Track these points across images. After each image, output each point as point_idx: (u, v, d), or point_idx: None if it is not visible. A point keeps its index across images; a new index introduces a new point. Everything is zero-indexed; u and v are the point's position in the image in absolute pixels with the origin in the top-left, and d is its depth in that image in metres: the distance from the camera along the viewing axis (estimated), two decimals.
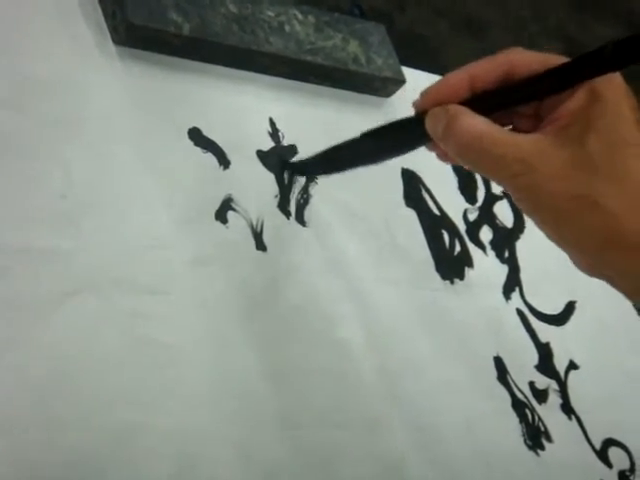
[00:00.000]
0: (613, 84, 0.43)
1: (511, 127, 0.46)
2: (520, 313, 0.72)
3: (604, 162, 0.41)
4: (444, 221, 0.71)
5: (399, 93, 0.74)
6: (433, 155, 0.76)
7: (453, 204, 0.73)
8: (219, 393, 0.51)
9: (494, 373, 0.66)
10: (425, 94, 0.47)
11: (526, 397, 0.67)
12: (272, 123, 0.65)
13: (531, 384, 0.68)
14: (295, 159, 0.63)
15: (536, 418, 0.66)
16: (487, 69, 0.46)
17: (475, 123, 0.44)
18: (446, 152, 0.47)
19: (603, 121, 0.41)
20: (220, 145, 0.60)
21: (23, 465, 0.42)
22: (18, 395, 0.44)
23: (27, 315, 0.46)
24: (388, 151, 0.55)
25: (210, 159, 0.59)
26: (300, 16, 0.68)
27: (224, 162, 0.60)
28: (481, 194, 0.76)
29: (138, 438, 0.47)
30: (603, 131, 0.41)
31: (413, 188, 0.71)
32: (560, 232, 0.43)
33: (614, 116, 0.42)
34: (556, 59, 0.43)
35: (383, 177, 0.70)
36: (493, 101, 0.45)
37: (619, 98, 0.42)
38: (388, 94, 0.74)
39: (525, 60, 0.45)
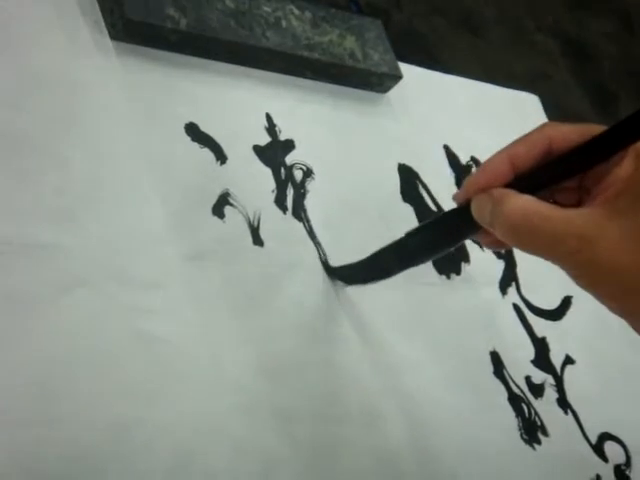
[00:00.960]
0: None
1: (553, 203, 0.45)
2: (516, 308, 0.72)
3: None
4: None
5: (396, 89, 0.74)
6: (430, 150, 0.77)
7: (450, 199, 0.73)
8: (216, 387, 0.51)
9: (490, 368, 0.66)
10: (467, 184, 0.47)
11: (522, 391, 0.67)
12: (269, 118, 0.65)
13: (527, 379, 0.68)
14: (339, 265, 0.61)
15: (532, 412, 0.67)
16: (526, 148, 0.45)
17: (522, 203, 0.43)
18: (494, 239, 0.46)
19: None
20: (217, 140, 0.60)
21: (20, 459, 0.42)
22: (16, 390, 0.44)
23: (24, 309, 0.46)
24: (435, 247, 0.53)
25: (207, 154, 0.59)
26: (297, 11, 0.68)
27: (221, 157, 0.60)
28: None
29: (135, 432, 0.47)
30: None
31: (410, 183, 0.71)
32: (624, 305, 0.42)
33: None
34: (593, 128, 0.43)
35: (380, 172, 0.70)
36: (538, 180, 0.44)
37: None
38: (385, 90, 0.74)
39: (562, 134, 0.44)
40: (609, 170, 0.43)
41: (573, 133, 0.44)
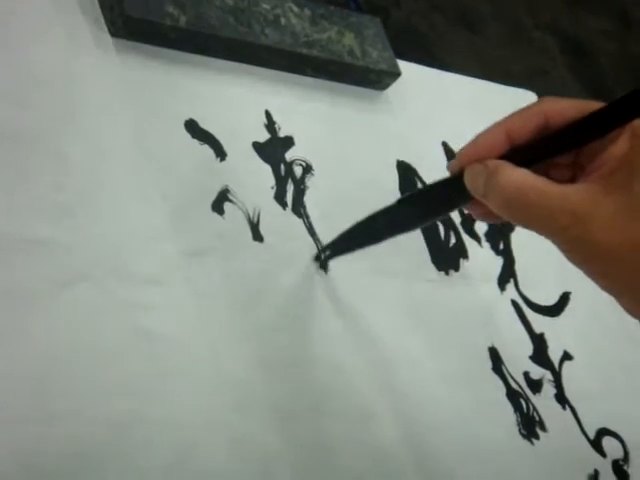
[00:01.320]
0: None
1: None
2: (515, 304, 0.73)
3: None
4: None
5: (394, 86, 0.74)
6: (428, 147, 0.77)
7: None
8: (215, 383, 0.51)
9: (489, 363, 0.67)
10: (461, 153, 0.46)
11: (521, 387, 0.67)
12: (268, 115, 0.65)
13: (526, 374, 0.69)
14: (327, 242, 0.61)
15: (531, 408, 0.67)
16: (522, 122, 0.45)
17: (518, 176, 0.42)
18: (486, 211, 0.46)
19: None
20: (217, 137, 0.60)
21: (20, 456, 0.43)
22: (14, 385, 0.44)
23: (23, 305, 0.46)
24: (426, 215, 0.53)
25: (207, 151, 0.60)
26: (296, 9, 0.68)
27: (221, 154, 0.60)
28: None
29: (135, 429, 0.47)
30: None
31: (408, 180, 0.71)
32: (613, 282, 0.42)
33: None
34: (590, 104, 0.42)
35: (379, 169, 0.70)
36: (533, 153, 0.44)
37: None
38: (383, 87, 0.74)
39: (559, 109, 0.44)
40: (604, 148, 0.42)
41: (570, 109, 0.43)
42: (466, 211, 0.49)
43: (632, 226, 0.40)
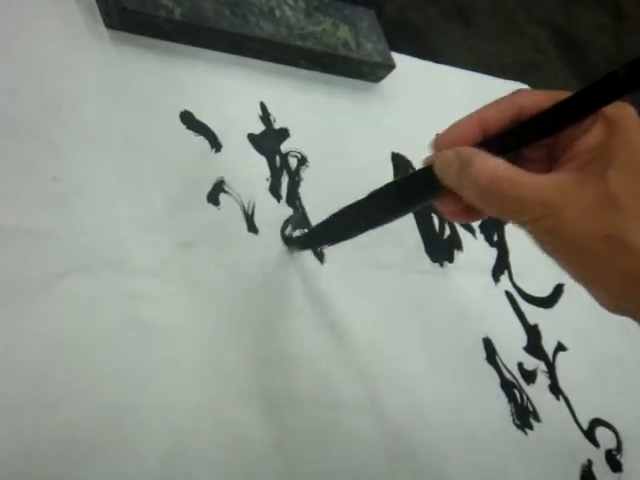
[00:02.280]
0: (627, 114, 0.42)
1: None
2: (509, 295, 0.73)
3: (629, 199, 0.39)
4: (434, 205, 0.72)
5: (389, 78, 0.75)
6: (422, 139, 0.77)
7: None
8: (210, 373, 0.51)
9: (483, 354, 0.67)
10: (434, 142, 0.46)
11: (515, 378, 0.68)
12: (263, 107, 0.65)
13: (520, 365, 0.69)
14: (298, 233, 0.60)
15: (525, 398, 0.67)
16: (496, 113, 0.44)
17: (491, 165, 0.42)
18: (456, 208, 0.46)
19: (623, 155, 0.40)
20: (212, 128, 0.60)
21: (16, 444, 0.43)
22: (11, 375, 0.44)
23: (19, 296, 0.46)
24: (398, 209, 0.52)
25: (202, 142, 0.60)
26: (290, 1, 0.68)
27: (216, 145, 0.60)
28: None
29: (131, 418, 0.47)
30: (624, 166, 0.40)
31: (403, 172, 0.72)
32: (585, 273, 0.42)
33: (633, 148, 0.41)
34: (565, 95, 0.42)
35: (373, 161, 0.71)
36: (506, 142, 0.44)
37: (635, 128, 0.41)
38: (378, 79, 0.74)
39: (534, 100, 0.43)
40: (578, 138, 0.42)
41: (545, 100, 0.43)
42: (437, 208, 0.48)
43: (605, 217, 0.39)
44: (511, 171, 0.42)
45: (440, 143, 0.46)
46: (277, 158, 0.63)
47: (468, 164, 0.43)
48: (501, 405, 0.66)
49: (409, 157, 0.73)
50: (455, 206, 0.46)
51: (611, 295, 0.42)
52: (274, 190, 0.62)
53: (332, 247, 0.61)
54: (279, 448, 0.52)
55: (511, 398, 0.66)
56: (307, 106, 0.68)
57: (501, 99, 0.45)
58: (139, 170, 0.55)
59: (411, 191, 0.50)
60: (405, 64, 0.76)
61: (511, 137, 0.44)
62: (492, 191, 0.42)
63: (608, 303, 0.43)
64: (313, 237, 0.60)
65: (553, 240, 0.41)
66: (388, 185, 0.52)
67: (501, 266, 0.74)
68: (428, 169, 0.46)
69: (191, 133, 0.59)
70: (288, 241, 0.60)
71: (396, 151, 0.72)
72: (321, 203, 0.64)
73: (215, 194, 0.58)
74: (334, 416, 0.56)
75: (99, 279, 0.50)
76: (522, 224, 0.42)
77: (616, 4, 1.22)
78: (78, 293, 0.49)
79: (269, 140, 0.64)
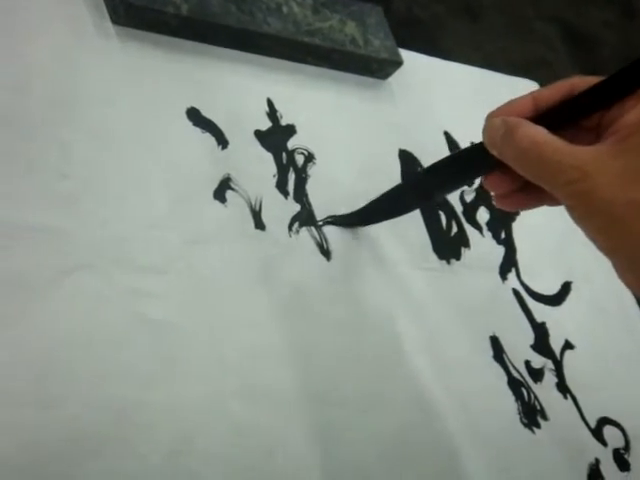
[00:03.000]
0: None
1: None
2: (516, 293, 0.73)
3: None
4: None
5: (396, 75, 0.74)
6: (430, 136, 0.77)
7: None
8: (217, 370, 0.51)
9: (490, 352, 0.67)
10: (488, 116, 0.48)
11: (522, 376, 0.68)
12: (270, 103, 0.65)
13: (527, 363, 0.69)
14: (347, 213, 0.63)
15: (532, 397, 0.67)
16: (550, 92, 0.47)
17: (534, 131, 0.45)
18: (505, 191, 0.48)
19: None
20: (218, 125, 0.60)
21: (21, 441, 0.43)
22: (16, 372, 0.44)
23: (26, 293, 0.47)
24: (451, 183, 0.56)
25: (209, 139, 0.60)
26: None
27: (222, 142, 0.60)
28: None
29: (136, 414, 0.47)
30: None
31: (410, 169, 0.71)
32: (612, 241, 0.43)
33: None
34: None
35: (381, 158, 0.70)
36: (555, 116, 0.46)
37: None
38: (385, 76, 0.74)
39: (587, 82, 0.46)
40: (621, 115, 0.44)
41: (596, 81, 0.45)
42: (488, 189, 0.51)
43: (631, 184, 0.41)
44: (552, 138, 0.44)
45: (493, 114, 0.48)
46: (284, 155, 0.63)
47: (513, 129, 0.45)
48: (508, 403, 0.65)
49: (417, 154, 0.73)
50: (504, 186, 0.49)
51: (635, 267, 0.43)
52: (281, 187, 0.62)
53: (339, 244, 0.61)
54: (284, 446, 0.52)
55: (518, 396, 0.66)
56: (314, 103, 0.68)
57: (555, 83, 0.48)
58: (146, 167, 0.55)
59: (464, 165, 0.53)
60: (413, 61, 0.76)
61: (559, 112, 0.46)
62: (531, 153, 0.44)
63: (632, 277, 0.44)
64: (364, 215, 0.63)
65: (583, 205, 0.43)
66: (442, 161, 0.55)
67: (508, 264, 0.74)
68: (480, 144, 0.48)
69: (198, 130, 0.59)
70: (337, 220, 0.62)
71: (403, 148, 0.72)
72: (328, 200, 0.64)
73: (222, 191, 0.58)
74: (341, 413, 0.56)
75: (105, 276, 0.50)
76: (556, 188, 0.44)
77: (626, 0, 1.22)
78: (84, 290, 0.49)
79: (276, 137, 0.63)
